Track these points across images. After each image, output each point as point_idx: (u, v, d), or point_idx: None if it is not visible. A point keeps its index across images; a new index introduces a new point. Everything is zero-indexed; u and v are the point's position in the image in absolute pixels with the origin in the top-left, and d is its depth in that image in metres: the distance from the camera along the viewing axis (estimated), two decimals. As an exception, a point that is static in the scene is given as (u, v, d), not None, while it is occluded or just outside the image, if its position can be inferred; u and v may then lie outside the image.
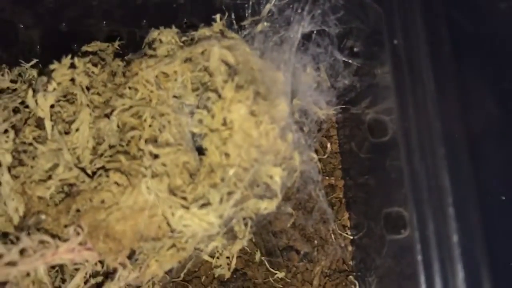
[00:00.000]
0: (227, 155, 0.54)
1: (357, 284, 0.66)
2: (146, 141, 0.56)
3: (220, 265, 0.65)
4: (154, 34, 0.63)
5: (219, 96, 0.56)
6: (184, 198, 0.54)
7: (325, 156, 0.73)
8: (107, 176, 0.56)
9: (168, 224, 0.54)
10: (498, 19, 0.84)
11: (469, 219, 0.46)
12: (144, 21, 0.66)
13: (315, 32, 0.63)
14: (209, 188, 0.54)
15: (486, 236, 0.45)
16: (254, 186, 0.57)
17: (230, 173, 0.53)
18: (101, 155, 0.59)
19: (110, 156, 0.58)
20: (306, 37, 0.62)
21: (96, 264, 0.59)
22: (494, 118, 0.76)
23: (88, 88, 0.62)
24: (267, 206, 0.58)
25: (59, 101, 0.62)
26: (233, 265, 0.64)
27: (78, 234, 0.54)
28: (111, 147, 0.59)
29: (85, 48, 0.67)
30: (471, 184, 0.47)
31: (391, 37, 0.54)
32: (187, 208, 0.53)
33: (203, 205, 0.53)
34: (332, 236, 0.67)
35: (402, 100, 0.52)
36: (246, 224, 0.59)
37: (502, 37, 0.84)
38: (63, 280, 0.62)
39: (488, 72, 0.80)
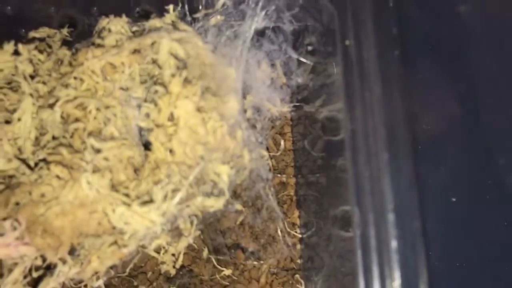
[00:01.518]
0: (172, 151, 0.53)
1: (303, 283, 0.66)
2: (90, 134, 0.54)
3: (166, 262, 0.64)
4: (103, 22, 0.61)
5: (167, 90, 0.55)
6: (127, 195, 0.52)
7: (278, 154, 0.72)
8: (48, 169, 0.54)
9: (109, 221, 0.52)
10: (457, 22, 0.85)
11: (409, 226, 0.46)
12: (95, 8, 0.64)
13: (270, 28, 0.62)
14: (153, 185, 0.53)
15: (426, 243, 0.45)
16: (200, 184, 0.56)
17: (174, 171, 0.52)
18: (44, 146, 0.57)
19: (53, 148, 0.56)
20: (260, 33, 0.61)
21: (36, 258, 0.57)
22: (445, 120, 0.77)
23: (33, 77, 0.60)
24: (214, 204, 0.57)
25: (2, 88, 0.60)
26: (179, 262, 0.63)
27: (15, 228, 0.53)
28: (54, 138, 0.57)
29: (32, 34, 0.64)
30: (413, 190, 0.47)
31: (343, 37, 0.54)
32: (128, 205, 0.51)
33: (145, 203, 0.52)
34: (280, 234, 0.67)
35: (350, 102, 0.52)
36: (192, 222, 0.58)
37: (461, 40, 0.85)
38: (1, 275, 0.59)
39: (445, 75, 0.81)
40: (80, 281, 0.61)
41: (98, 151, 0.53)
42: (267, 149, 0.70)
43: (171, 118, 0.54)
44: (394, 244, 0.46)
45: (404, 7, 0.73)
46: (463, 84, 0.80)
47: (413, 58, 0.72)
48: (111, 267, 0.61)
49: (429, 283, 0.45)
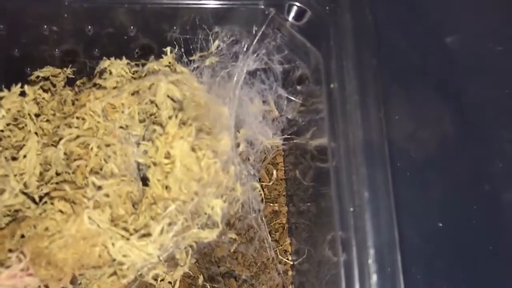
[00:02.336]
0: (168, 188, 0.57)
1: (294, 308, 0.69)
2: (91, 171, 0.58)
3: (163, 289, 0.67)
4: (105, 63, 0.65)
5: (164, 130, 0.58)
6: (125, 229, 0.56)
7: (271, 183, 0.76)
8: (52, 204, 0.58)
9: (109, 253, 0.56)
10: (442, 54, 0.89)
11: (387, 260, 0.50)
12: (96, 50, 0.68)
13: (261, 69, 0.66)
14: (150, 219, 0.56)
15: (404, 278, 0.49)
16: (195, 217, 0.60)
17: (170, 207, 0.56)
18: (48, 181, 0.61)
19: (57, 183, 0.60)
20: (252, 73, 0.65)
21: (39, 287, 0.60)
22: (431, 148, 0.81)
23: (38, 115, 0.64)
24: (208, 236, 0.60)
25: (8, 124, 0.64)
26: (175, 289, 0.66)
27: (20, 260, 0.56)
28: (58, 174, 0.61)
29: (37, 73, 0.68)
30: (391, 226, 0.51)
31: (328, 80, 0.58)
32: (127, 239, 0.55)
33: (143, 236, 0.55)
34: (272, 262, 0.70)
35: (334, 141, 0.55)
36: (187, 252, 0.61)
37: (445, 70, 0.88)
38: (6, 303, 0.63)
39: (428, 105, 0.85)
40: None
41: (99, 188, 0.56)
42: (259, 179, 0.73)
43: (168, 155, 0.58)
44: (374, 278, 0.49)
45: (388, 43, 0.78)
46: (448, 112, 0.84)
47: (395, 94, 0.76)
48: (111, 294, 0.64)
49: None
